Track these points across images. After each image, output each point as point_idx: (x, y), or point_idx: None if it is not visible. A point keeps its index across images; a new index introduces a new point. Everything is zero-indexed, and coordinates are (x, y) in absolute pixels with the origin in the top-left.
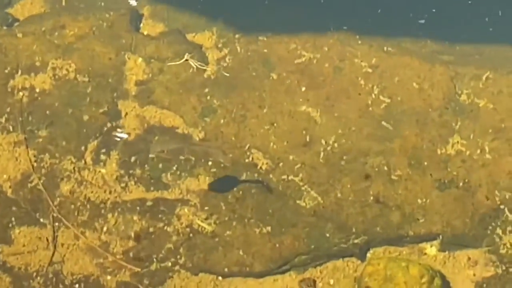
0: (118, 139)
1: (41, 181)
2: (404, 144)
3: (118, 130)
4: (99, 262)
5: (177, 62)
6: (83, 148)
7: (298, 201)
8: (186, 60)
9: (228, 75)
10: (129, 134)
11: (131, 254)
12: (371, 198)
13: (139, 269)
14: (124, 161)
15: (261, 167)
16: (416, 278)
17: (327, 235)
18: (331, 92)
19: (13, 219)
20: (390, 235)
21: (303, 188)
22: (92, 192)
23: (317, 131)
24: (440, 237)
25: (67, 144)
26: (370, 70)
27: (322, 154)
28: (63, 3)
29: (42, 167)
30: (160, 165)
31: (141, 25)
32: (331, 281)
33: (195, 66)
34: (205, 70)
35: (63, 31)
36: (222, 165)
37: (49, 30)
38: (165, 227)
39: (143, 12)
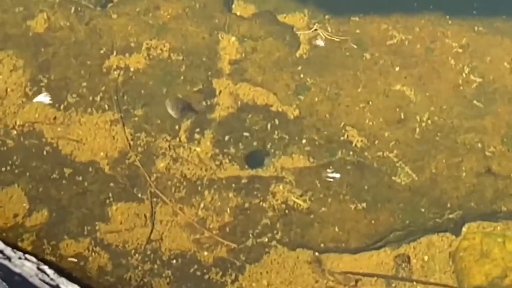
0: (331, 179)
1: (138, 158)
2: (496, 122)
3: (328, 170)
4: (196, 238)
5: (307, 32)
6: (177, 126)
7: (393, 177)
8: (316, 30)
9: (338, 39)
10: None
11: (227, 230)
12: (465, 173)
13: (236, 245)
14: (218, 140)
15: (356, 145)
16: None
17: (422, 210)
18: (423, 71)
19: (110, 195)
20: (484, 210)
21: (397, 165)
22: (188, 169)
23: (411, 109)
24: None
25: (162, 122)
26: (460, 50)
27: (417, 130)
28: None
29: (139, 145)
30: (255, 143)
31: (233, 6)
32: (426, 257)
33: (324, 36)
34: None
35: (157, 12)
36: (316, 143)
37: (144, 10)
38: (261, 203)
39: None
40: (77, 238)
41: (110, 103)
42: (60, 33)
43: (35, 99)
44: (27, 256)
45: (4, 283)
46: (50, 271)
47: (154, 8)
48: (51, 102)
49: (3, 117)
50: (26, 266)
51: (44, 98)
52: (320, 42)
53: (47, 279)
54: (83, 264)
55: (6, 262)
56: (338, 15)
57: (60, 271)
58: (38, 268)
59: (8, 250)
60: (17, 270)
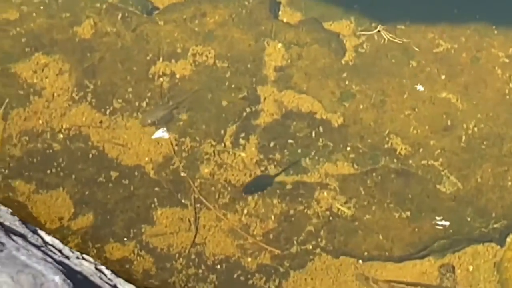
0: (441, 227)
1: (182, 163)
2: None
3: (437, 218)
4: (240, 244)
5: (369, 33)
6: (222, 132)
7: (438, 186)
8: (379, 31)
9: (401, 42)
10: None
11: (271, 236)
12: (510, 183)
13: (280, 251)
14: (263, 146)
15: (400, 152)
16: None
17: (467, 219)
18: (469, 80)
19: (155, 199)
20: None
21: (442, 173)
22: (232, 175)
23: (457, 117)
24: None
25: (207, 127)
26: (507, 60)
27: (463, 138)
28: None
29: (183, 150)
30: (299, 150)
31: (279, 12)
32: (470, 267)
33: (386, 38)
34: (345, 54)
35: (204, 19)
36: (361, 150)
37: (190, 17)
38: (305, 210)
39: (281, 0)
40: (123, 241)
41: (156, 108)
42: (107, 39)
43: (154, 136)
44: (85, 256)
45: (68, 280)
46: (107, 271)
47: (201, 15)
48: (169, 137)
49: (50, 121)
50: (85, 266)
51: (162, 133)
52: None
53: (105, 279)
54: (128, 267)
55: (66, 261)
56: (384, 23)
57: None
58: (96, 268)
59: (67, 250)
60: (77, 268)
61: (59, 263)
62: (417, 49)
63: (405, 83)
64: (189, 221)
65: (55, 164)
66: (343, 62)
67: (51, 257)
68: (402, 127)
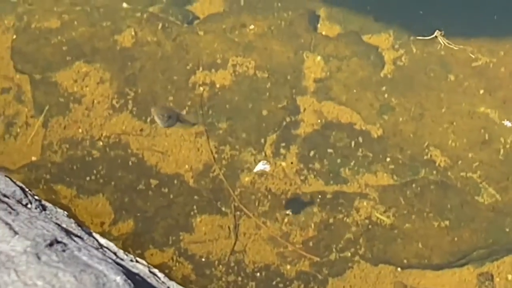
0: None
1: (222, 171)
2: None
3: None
4: (279, 252)
5: (426, 38)
6: (262, 141)
7: (476, 197)
8: (436, 36)
9: (457, 48)
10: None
11: (311, 244)
12: None
13: (319, 259)
14: (303, 155)
15: (439, 164)
16: None
17: (506, 230)
18: (508, 95)
19: (195, 207)
20: None
21: (481, 185)
22: (272, 183)
23: (495, 130)
24: None
25: (247, 137)
26: None
27: (501, 151)
28: (242, 3)
29: (223, 158)
30: (339, 160)
31: (318, 25)
32: (509, 276)
33: (443, 44)
34: (383, 67)
35: (243, 30)
36: (400, 161)
37: (230, 28)
38: (345, 219)
39: (320, 13)
40: (162, 248)
41: (196, 116)
42: (147, 48)
43: (256, 169)
44: (138, 259)
45: (129, 281)
46: (160, 275)
47: (240, 26)
48: (270, 169)
49: (90, 129)
50: (140, 268)
51: (263, 166)
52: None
53: (159, 282)
54: (167, 272)
55: (123, 263)
56: (423, 36)
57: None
58: (150, 271)
59: (121, 253)
60: (135, 270)
61: (118, 264)
62: (473, 56)
63: (443, 96)
64: (229, 228)
65: (95, 171)
66: (381, 75)
67: (110, 258)
68: (441, 139)
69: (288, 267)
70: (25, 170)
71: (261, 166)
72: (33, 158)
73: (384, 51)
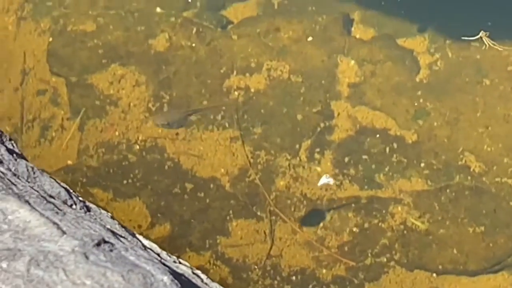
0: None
1: (258, 176)
2: None
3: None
4: (315, 256)
5: (471, 38)
6: (297, 146)
7: (511, 203)
8: (481, 37)
9: (501, 49)
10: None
11: (346, 249)
12: None
13: (354, 263)
14: (338, 161)
15: (474, 170)
16: None
17: None
18: None
19: (231, 212)
20: None
21: None
22: (308, 188)
23: None
24: None
25: (282, 141)
26: None
27: None
28: (276, 6)
29: (258, 163)
30: (373, 166)
31: (353, 29)
32: None
33: (487, 45)
34: (419, 72)
35: (278, 34)
36: (435, 167)
37: (264, 32)
38: (380, 224)
39: (354, 17)
40: (199, 251)
41: (231, 121)
42: (182, 52)
43: (320, 183)
44: (181, 260)
45: (176, 281)
46: (203, 276)
47: (274, 30)
48: (335, 183)
49: (126, 132)
50: (183, 269)
51: (327, 180)
52: None
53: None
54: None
55: (168, 264)
56: (458, 40)
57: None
58: (193, 272)
59: (164, 254)
60: (179, 271)
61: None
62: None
63: (478, 101)
64: (265, 233)
65: (131, 175)
66: (417, 79)
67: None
68: (476, 144)
69: (324, 271)
70: (62, 173)
71: (324, 180)
72: (69, 162)
73: (419, 55)
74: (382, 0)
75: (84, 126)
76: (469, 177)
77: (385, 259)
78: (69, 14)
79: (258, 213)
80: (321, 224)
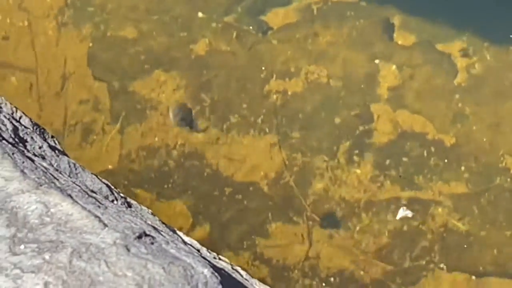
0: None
1: (294, 179)
2: None
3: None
4: (353, 259)
5: None
6: (335, 148)
7: None
8: None
9: None
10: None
11: (384, 252)
12: None
13: (392, 267)
14: (378, 163)
15: None
16: None
17: None
18: None
19: (269, 214)
20: None
21: None
22: (346, 191)
23: None
24: None
25: (320, 144)
26: None
27: None
28: (315, 11)
29: (295, 165)
30: (413, 169)
31: (392, 33)
32: None
33: None
34: (457, 75)
35: (316, 39)
36: (474, 170)
37: (303, 37)
38: (419, 226)
39: (394, 21)
40: (238, 252)
41: (270, 125)
42: (222, 57)
43: (398, 216)
44: (221, 256)
45: (216, 274)
46: (243, 272)
47: (314, 35)
48: (413, 215)
49: (166, 137)
50: (223, 265)
51: (405, 212)
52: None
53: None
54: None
55: (208, 259)
56: (496, 43)
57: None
58: (232, 268)
59: (204, 250)
60: (219, 265)
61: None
62: None
63: None
64: (302, 235)
65: (171, 179)
66: (455, 83)
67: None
68: None
69: (362, 273)
70: (103, 176)
71: (402, 213)
72: (109, 167)
73: (457, 59)
74: (420, 4)
75: (124, 130)
76: (508, 180)
77: (424, 262)
78: (110, 20)
79: (295, 216)
80: (358, 227)
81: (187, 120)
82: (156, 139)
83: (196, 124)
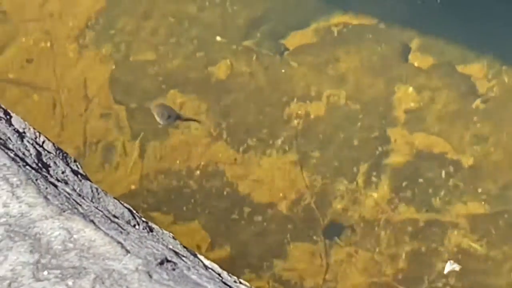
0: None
1: (314, 200)
2: None
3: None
4: (372, 281)
5: None
6: (355, 170)
7: None
8: None
9: None
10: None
11: (402, 274)
12: None
13: None
14: (395, 185)
15: None
16: None
17: None
18: None
19: (288, 235)
20: None
21: None
22: (364, 212)
23: None
24: None
25: (339, 166)
26: None
27: None
28: (335, 34)
29: (315, 186)
30: (430, 190)
31: (410, 57)
32: None
33: None
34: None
35: (337, 64)
36: (492, 191)
37: (322, 60)
38: (437, 248)
39: (412, 45)
40: (258, 273)
41: (290, 146)
42: (241, 80)
43: (446, 270)
44: (241, 280)
45: None
46: None
47: (334, 59)
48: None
49: (187, 158)
50: None
51: (451, 266)
52: None
53: None
54: None
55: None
56: None
57: None
58: None
59: (225, 274)
60: None
61: (225, 283)
62: None
63: None
64: (320, 256)
65: (192, 200)
66: (473, 106)
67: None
68: None
69: None
70: (123, 198)
71: (449, 267)
72: (132, 187)
73: (476, 81)
74: (439, 27)
75: (145, 152)
76: None
77: (441, 284)
78: (130, 42)
79: (314, 237)
80: (377, 249)
81: (173, 115)
82: (177, 161)
83: (182, 115)
